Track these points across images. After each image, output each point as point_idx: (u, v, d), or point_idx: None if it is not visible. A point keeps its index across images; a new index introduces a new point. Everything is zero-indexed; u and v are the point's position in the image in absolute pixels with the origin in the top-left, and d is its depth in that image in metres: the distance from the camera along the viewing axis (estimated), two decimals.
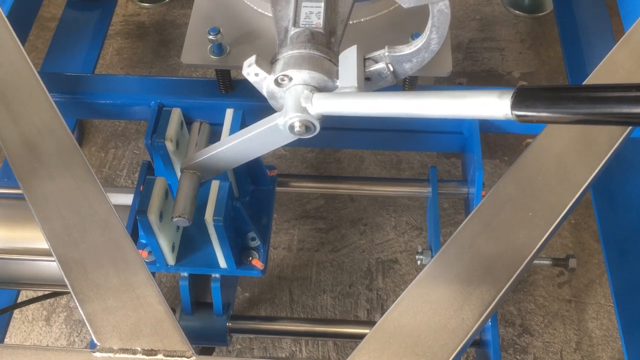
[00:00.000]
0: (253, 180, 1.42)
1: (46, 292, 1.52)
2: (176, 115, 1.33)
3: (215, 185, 1.23)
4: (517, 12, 2.50)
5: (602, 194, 1.72)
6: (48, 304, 1.91)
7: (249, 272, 1.33)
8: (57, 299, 1.91)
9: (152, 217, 1.18)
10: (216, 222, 1.19)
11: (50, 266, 1.29)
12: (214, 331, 1.42)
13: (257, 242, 1.32)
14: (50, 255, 1.15)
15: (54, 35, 2.07)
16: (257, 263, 1.32)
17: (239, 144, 1.17)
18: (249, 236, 1.32)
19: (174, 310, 1.32)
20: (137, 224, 1.28)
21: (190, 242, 1.33)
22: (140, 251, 1.24)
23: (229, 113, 1.33)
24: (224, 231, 1.21)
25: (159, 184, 1.22)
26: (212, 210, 1.20)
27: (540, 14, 2.49)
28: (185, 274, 1.34)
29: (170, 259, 1.29)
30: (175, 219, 1.19)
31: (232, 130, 1.31)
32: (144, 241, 1.29)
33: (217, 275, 1.34)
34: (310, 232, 2.02)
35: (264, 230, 1.37)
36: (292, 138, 1.11)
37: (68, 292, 1.60)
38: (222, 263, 1.30)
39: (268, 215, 1.40)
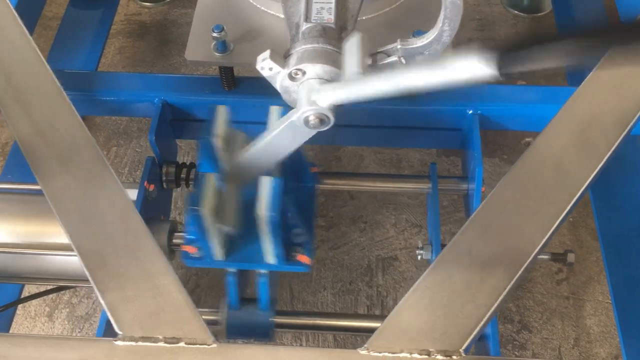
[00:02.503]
0: (296, 177, 1.41)
1: (50, 287, 1.53)
2: (222, 112, 1.26)
3: (267, 180, 1.20)
4: (516, 12, 2.51)
5: (600, 192, 1.74)
6: (50, 300, 1.92)
7: (297, 267, 1.31)
8: (60, 295, 1.92)
9: (207, 212, 1.15)
10: (270, 217, 1.16)
11: (56, 260, 1.29)
12: (260, 326, 1.41)
13: (303, 238, 1.30)
14: (58, 249, 1.17)
15: (57, 35, 2.08)
16: (303, 258, 1.30)
17: (263, 148, 1.18)
18: (294, 232, 1.31)
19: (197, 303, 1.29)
20: None
21: (236, 238, 1.32)
22: (188, 247, 1.24)
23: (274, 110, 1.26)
24: (278, 226, 1.18)
25: (213, 180, 1.20)
26: (265, 205, 1.16)
27: (539, 14, 2.50)
28: (234, 270, 1.33)
29: (221, 254, 1.27)
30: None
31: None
32: (192, 237, 1.25)
33: (265, 271, 1.32)
34: None
35: (308, 226, 1.36)
36: (311, 132, 1.11)
37: (74, 287, 1.62)
38: (271, 259, 1.27)
39: (311, 211, 1.39)
